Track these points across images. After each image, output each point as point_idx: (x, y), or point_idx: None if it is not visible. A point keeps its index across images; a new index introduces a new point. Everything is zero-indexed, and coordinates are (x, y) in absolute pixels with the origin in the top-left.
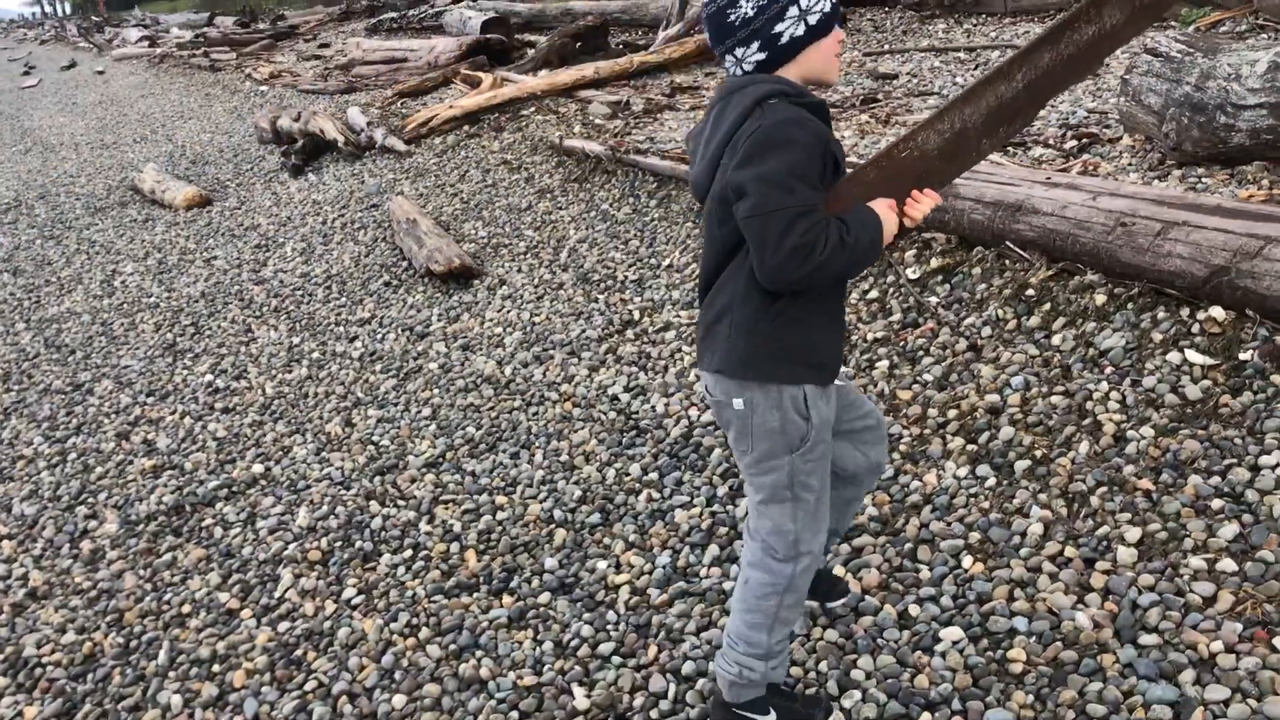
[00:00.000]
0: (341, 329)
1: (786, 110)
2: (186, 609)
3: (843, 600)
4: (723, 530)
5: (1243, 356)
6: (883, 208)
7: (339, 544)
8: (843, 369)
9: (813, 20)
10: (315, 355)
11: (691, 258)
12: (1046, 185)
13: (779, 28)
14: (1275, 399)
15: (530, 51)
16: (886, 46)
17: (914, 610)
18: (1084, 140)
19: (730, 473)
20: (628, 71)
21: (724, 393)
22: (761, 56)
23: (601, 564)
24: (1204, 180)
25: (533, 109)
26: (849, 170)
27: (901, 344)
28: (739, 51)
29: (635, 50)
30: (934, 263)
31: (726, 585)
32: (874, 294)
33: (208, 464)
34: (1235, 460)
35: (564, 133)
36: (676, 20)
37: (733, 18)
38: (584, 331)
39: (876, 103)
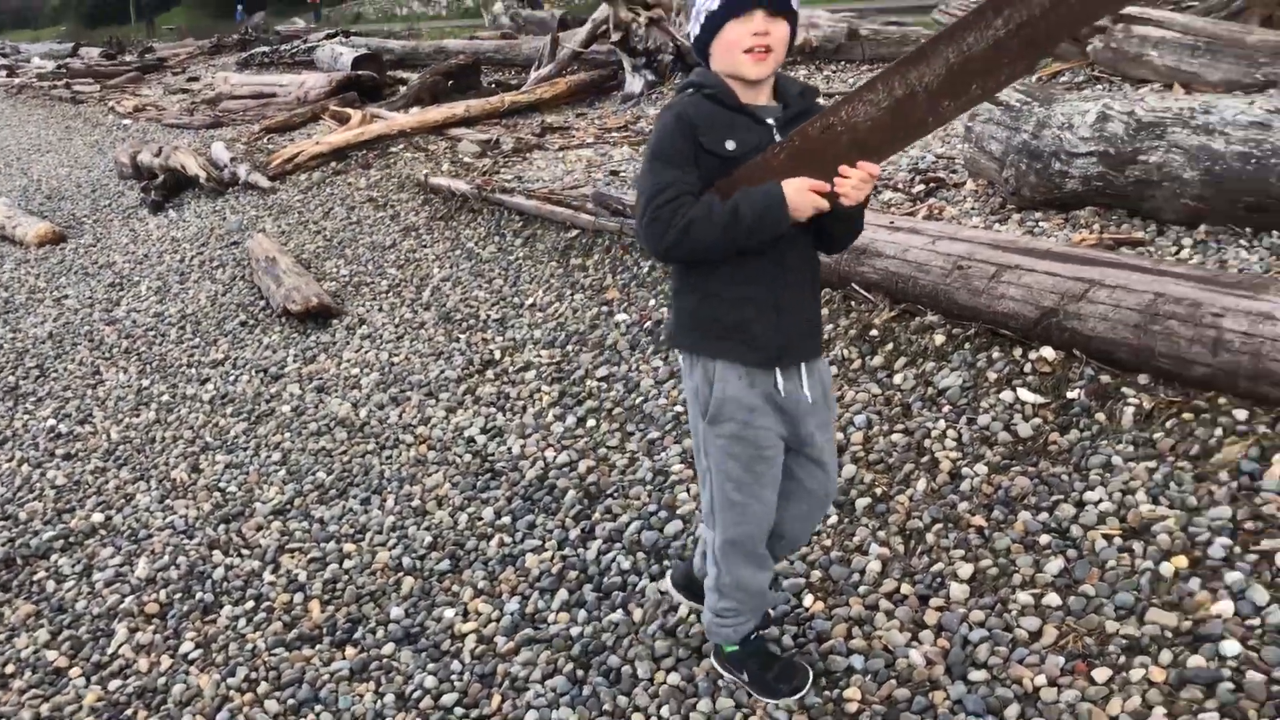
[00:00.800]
0: (193, 370)
1: (677, 101)
2: (10, 669)
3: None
4: (573, 574)
5: (1071, 395)
6: (793, 185)
7: (179, 595)
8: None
9: (702, 19)
10: (165, 398)
11: (555, 297)
12: (890, 229)
13: (691, 26)
14: (1099, 436)
15: (402, 89)
16: None
17: None
18: (931, 184)
19: (583, 514)
20: (499, 110)
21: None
22: (696, 31)
23: (449, 612)
24: (1041, 224)
25: (402, 146)
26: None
27: None
28: (690, 31)
29: (507, 89)
30: None
31: (574, 631)
32: None
33: (44, 513)
34: (1062, 496)
35: (431, 170)
36: (548, 61)
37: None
38: (443, 372)
39: None
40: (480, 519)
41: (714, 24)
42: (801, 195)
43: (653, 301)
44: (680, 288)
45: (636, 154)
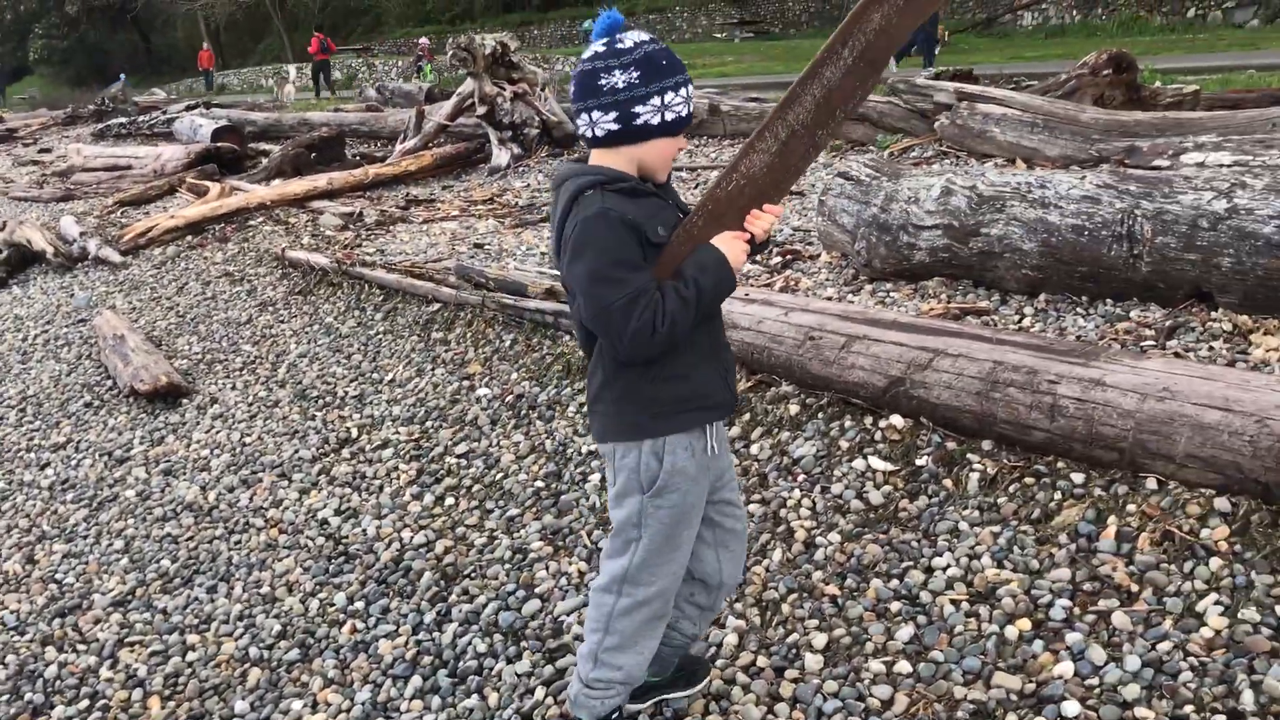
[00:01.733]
0: (32, 455)
1: (596, 203)
2: None
3: (690, 691)
4: (427, 660)
5: (919, 462)
6: (724, 239)
7: (5, 698)
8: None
9: (669, 116)
10: (0, 485)
11: (415, 372)
12: (744, 301)
13: (639, 109)
14: (947, 502)
15: (264, 160)
16: None
17: None
18: (787, 256)
19: (439, 596)
20: (363, 183)
21: (608, 452)
22: (615, 128)
23: (297, 704)
24: (892, 295)
25: (261, 219)
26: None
27: None
28: (595, 115)
29: (372, 162)
30: None
31: (427, 719)
32: None
33: None
34: (912, 563)
35: (291, 244)
36: (414, 134)
37: (602, 82)
38: (297, 451)
39: None
40: (332, 604)
41: (676, 127)
42: (734, 249)
43: (514, 375)
44: (615, 381)
45: (502, 226)
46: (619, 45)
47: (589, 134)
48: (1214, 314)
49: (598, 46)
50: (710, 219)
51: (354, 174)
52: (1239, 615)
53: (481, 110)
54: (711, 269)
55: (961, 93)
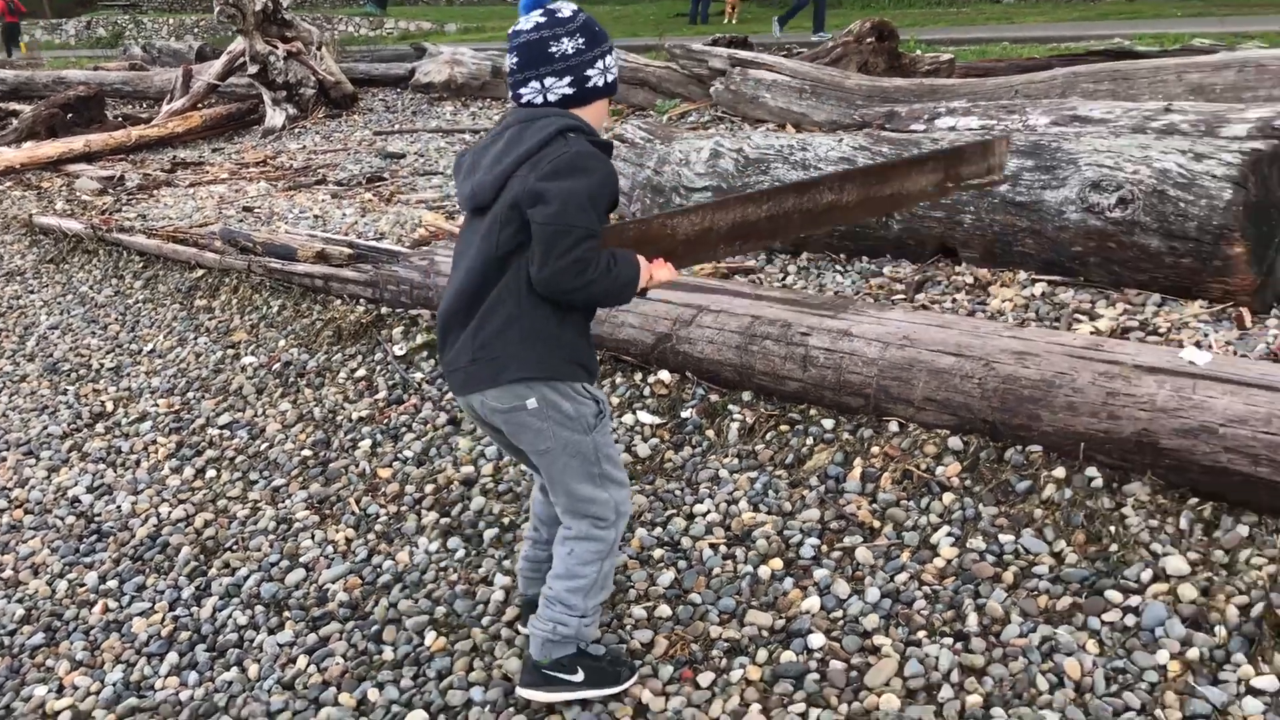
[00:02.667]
0: None
1: (586, 144)
2: None
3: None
4: (185, 635)
5: (684, 415)
6: (643, 261)
7: None
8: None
9: (610, 78)
10: None
11: (177, 341)
12: None
13: (590, 72)
14: (709, 452)
15: (14, 121)
16: (396, 126)
17: (373, 695)
18: None
19: (199, 571)
20: (126, 145)
21: (514, 398)
22: (569, 92)
23: (40, 690)
24: None
25: (10, 184)
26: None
27: (385, 421)
28: (547, 81)
29: (136, 123)
30: (419, 339)
31: (184, 695)
32: (361, 372)
33: None
34: (675, 510)
35: (42, 209)
36: (181, 94)
37: (553, 50)
38: (46, 428)
39: (382, 181)
40: (83, 585)
41: (613, 88)
42: (645, 271)
43: (282, 342)
44: (552, 320)
45: (275, 190)
46: (560, 15)
47: (538, 100)
48: (958, 268)
49: (538, 17)
50: (639, 238)
51: (115, 136)
52: (968, 545)
53: (253, 70)
54: (632, 270)
55: (735, 59)
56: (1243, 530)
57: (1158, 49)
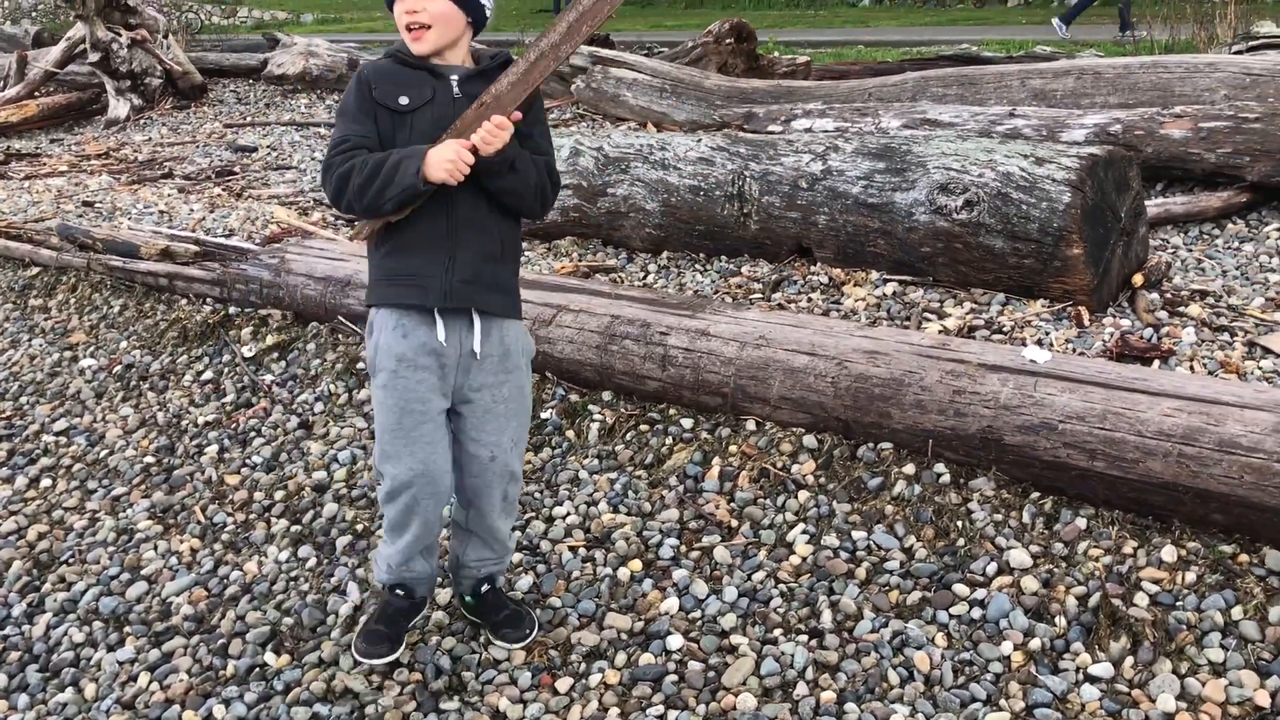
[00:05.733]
0: None
1: (367, 64)
2: None
3: (511, 645)
4: (14, 656)
5: (544, 415)
6: (438, 147)
7: None
8: None
9: None
10: None
11: (9, 343)
12: None
13: None
14: (568, 453)
15: None
16: (249, 119)
17: (219, 712)
18: None
19: (31, 586)
20: None
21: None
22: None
23: None
24: (528, 254)
25: None
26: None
27: (234, 426)
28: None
29: None
30: (270, 339)
31: (13, 719)
32: (208, 374)
33: None
34: (534, 514)
35: None
36: (16, 81)
37: None
38: None
39: (233, 175)
40: None
41: (387, 3)
42: (440, 154)
43: (124, 343)
44: (370, 247)
45: (118, 183)
46: None
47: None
48: (813, 268)
49: None
50: (455, 134)
51: None
52: (822, 542)
53: (95, 57)
54: (396, 158)
55: (597, 57)
56: (1080, 523)
57: (1003, 55)
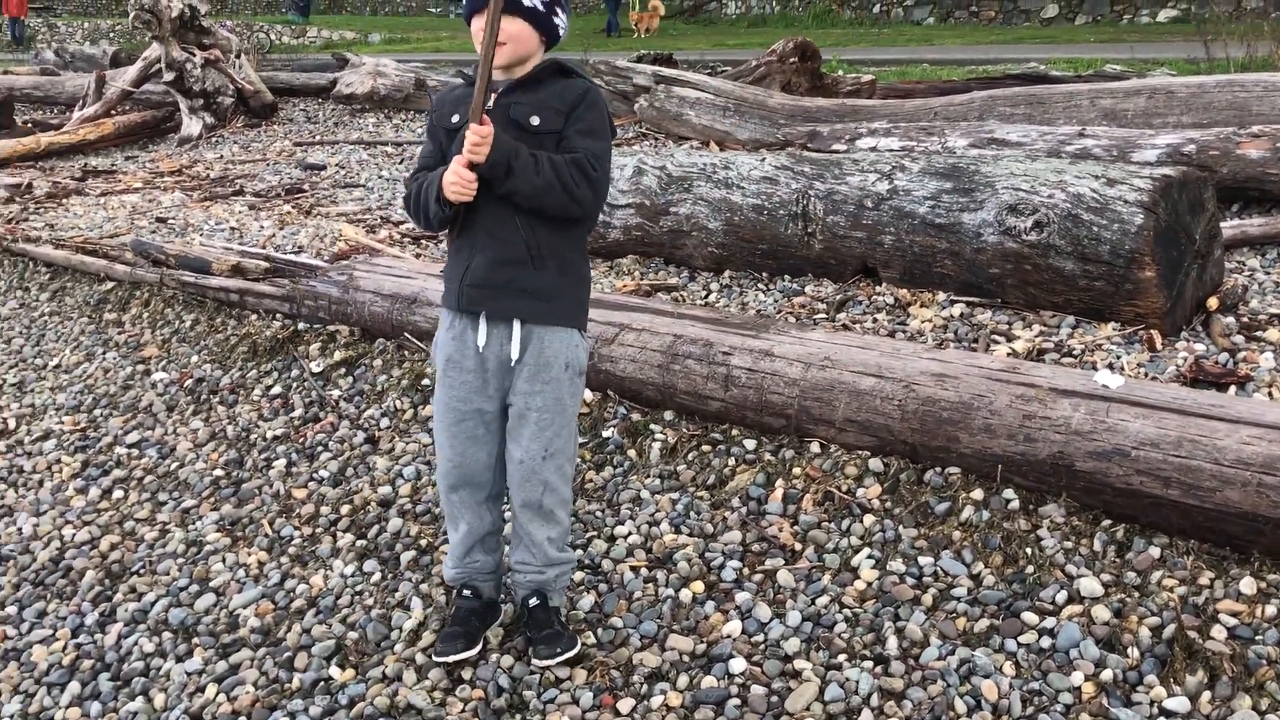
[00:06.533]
0: None
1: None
2: None
3: (541, 661)
4: (87, 664)
5: (606, 434)
6: (449, 165)
7: None
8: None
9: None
10: None
11: (84, 356)
12: (439, 278)
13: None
14: (630, 472)
15: None
16: (317, 137)
17: None
18: None
19: (103, 596)
20: (34, 152)
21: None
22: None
23: None
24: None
25: None
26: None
27: (301, 440)
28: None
29: (46, 129)
30: (337, 355)
31: None
32: (277, 389)
33: None
34: (595, 532)
35: None
36: (94, 100)
37: None
38: None
39: (302, 193)
40: None
41: (466, 16)
42: (445, 177)
43: (195, 358)
44: None
45: (190, 200)
46: None
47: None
48: (878, 288)
49: None
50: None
51: (24, 142)
52: (888, 567)
53: (169, 77)
54: (425, 182)
55: (660, 76)
56: (1154, 552)
57: (1072, 74)
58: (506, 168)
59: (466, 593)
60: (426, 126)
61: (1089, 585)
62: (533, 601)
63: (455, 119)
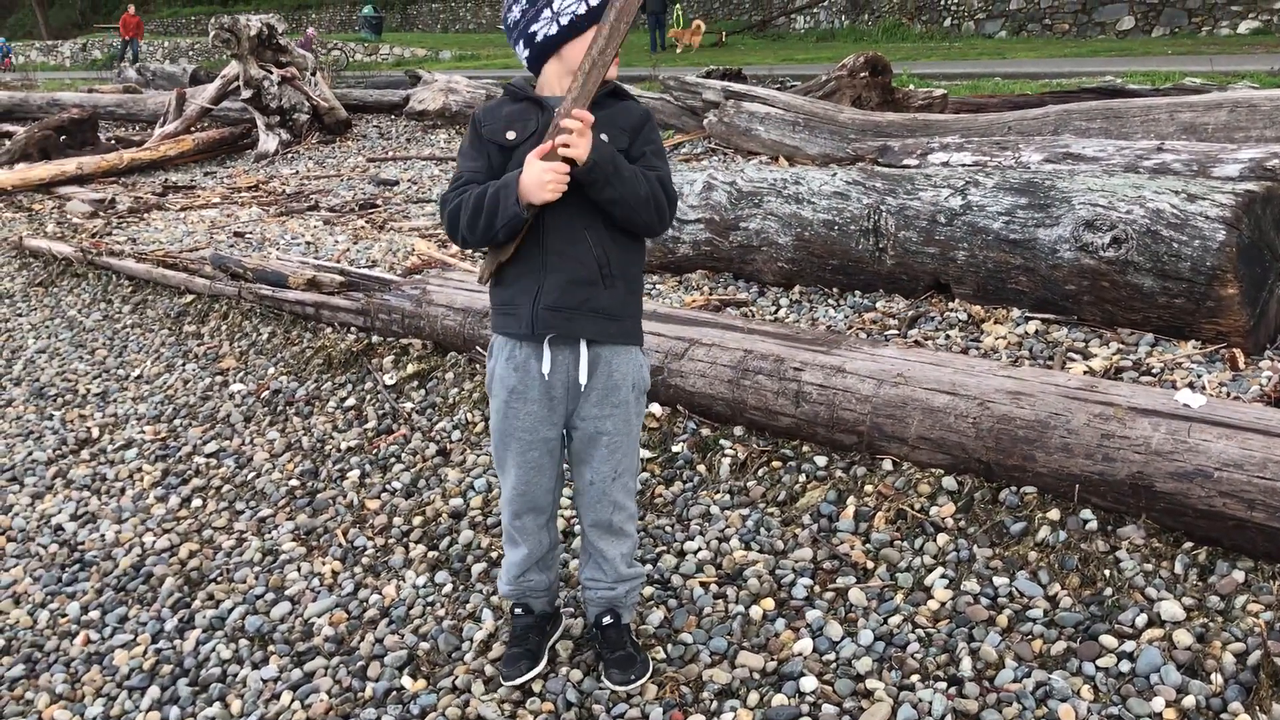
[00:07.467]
0: None
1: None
2: None
3: (615, 686)
4: (167, 669)
5: (675, 449)
6: (526, 168)
7: None
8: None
9: (564, 21)
10: None
11: (164, 367)
12: None
13: (534, 28)
14: (700, 487)
15: (7, 143)
16: (390, 153)
17: None
18: None
19: (182, 603)
20: (117, 168)
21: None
22: (526, 54)
23: None
24: (658, 287)
25: (1, 206)
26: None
27: (374, 451)
28: (517, 51)
29: (128, 146)
30: (410, 368)
31: None
32: (351, 401)
33: None
34: (665, 547)
35: (33, 231)
36: (174, 117)
37: (508, 21)
38: (31, 454)
39: (375, 208)
40: (64, 615)
41: (579, 26)
42: (531, 175)
43: (271, 370)
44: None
45: (266, 215)
46: None
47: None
48: (951, 304)
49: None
50: (544, 155)
51: (108, 158)
52: (962, 587)
53: (247, 94)
54: (494, 187)
55: (729, 91)
56: (1238, 576)
57: (1150, 87)
58: (612, 170)
59: (519, 610)
60: (468, 144)
61: (1170, 609)
62: (606, 620)
63: (511, 135)
